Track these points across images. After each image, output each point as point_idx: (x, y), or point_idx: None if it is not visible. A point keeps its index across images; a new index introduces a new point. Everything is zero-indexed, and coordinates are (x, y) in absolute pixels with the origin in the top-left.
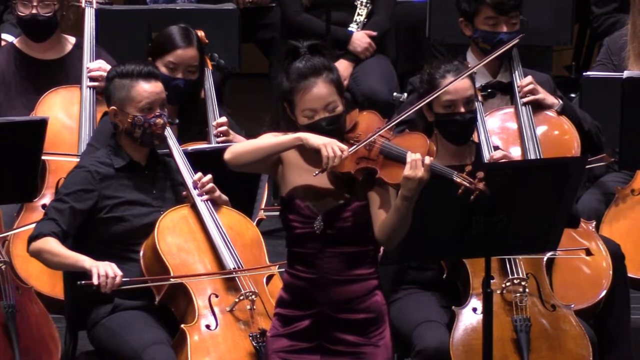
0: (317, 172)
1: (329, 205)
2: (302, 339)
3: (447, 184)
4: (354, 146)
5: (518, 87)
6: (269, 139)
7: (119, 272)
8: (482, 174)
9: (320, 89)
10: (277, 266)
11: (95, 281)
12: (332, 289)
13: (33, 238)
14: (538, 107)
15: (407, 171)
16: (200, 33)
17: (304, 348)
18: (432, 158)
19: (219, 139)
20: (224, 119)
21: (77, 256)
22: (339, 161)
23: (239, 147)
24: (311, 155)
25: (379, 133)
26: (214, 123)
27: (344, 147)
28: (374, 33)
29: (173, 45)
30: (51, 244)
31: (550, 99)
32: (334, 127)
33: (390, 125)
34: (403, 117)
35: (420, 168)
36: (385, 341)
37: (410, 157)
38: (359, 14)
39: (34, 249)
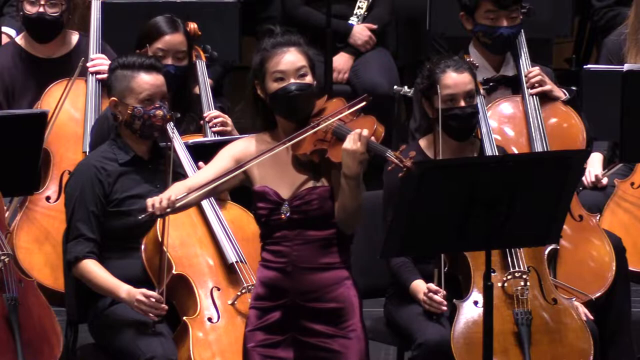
0: (142, 216)
1: (295, 190)
2: (276, 331)
3: (445, 177)
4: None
5: (525, 77)
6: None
7: (157, 295)
8: (414, 153)
9: (293, 54)
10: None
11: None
12: (302, 278)
13: (72, 263)
14: (544, 98)
15: (345, 144)
16: (193, 25)
17: (278, 341)
18: (372, 135)
19: (215, 129)
20: (215, 112)
21: (114, 286)
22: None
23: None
24: (267, 141)
25: (337, 117)
26: (206, 117)
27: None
28: (375, 26)
29: (160, 32)
30: (89, 269)
31: (557, 90)
32: (302, 94)
33: (351, 111)
34: (360, 105)
35: (357, 142)
36: (357, 333)
37: (352, 132)
38: (359, 7)
39: (77, 275)
